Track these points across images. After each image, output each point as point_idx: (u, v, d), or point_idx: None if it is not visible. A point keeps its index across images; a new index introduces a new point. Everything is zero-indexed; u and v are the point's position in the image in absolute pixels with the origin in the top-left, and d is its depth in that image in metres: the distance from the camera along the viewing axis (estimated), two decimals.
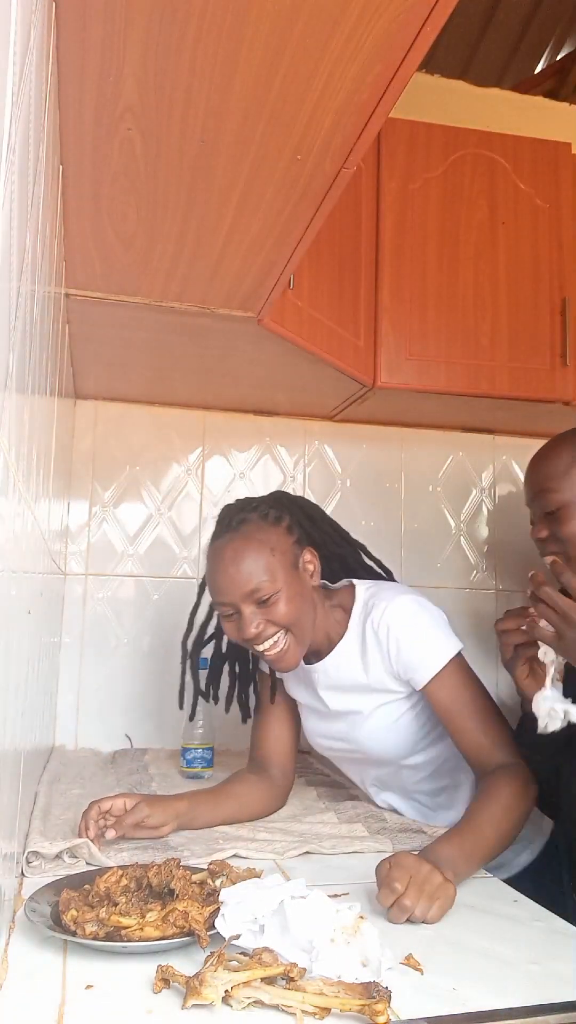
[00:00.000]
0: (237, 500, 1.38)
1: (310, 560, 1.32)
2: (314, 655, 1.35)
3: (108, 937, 0.79)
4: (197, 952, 0.78)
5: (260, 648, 1.27)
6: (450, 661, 1.24)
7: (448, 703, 1.25)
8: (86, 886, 0.89)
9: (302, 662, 1.34)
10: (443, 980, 0.75)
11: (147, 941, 0.78)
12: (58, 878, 0.95)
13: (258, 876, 0.92)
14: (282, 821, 1.30)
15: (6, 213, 0.56)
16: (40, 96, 0.76)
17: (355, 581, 1.38)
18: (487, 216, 1.85)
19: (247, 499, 1.38)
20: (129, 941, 0.79)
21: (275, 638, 1.26)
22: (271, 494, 1.45)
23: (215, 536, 1.32)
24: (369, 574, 1.48)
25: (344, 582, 1.41)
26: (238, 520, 1.29)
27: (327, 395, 1.94)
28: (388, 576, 1.50)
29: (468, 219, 1.84)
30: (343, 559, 1.46)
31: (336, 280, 1.65)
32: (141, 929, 0.79)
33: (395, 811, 1.40)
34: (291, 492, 1.52)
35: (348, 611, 1.34)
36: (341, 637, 1.33)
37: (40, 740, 1.42)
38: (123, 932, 0.80)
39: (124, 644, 1.99)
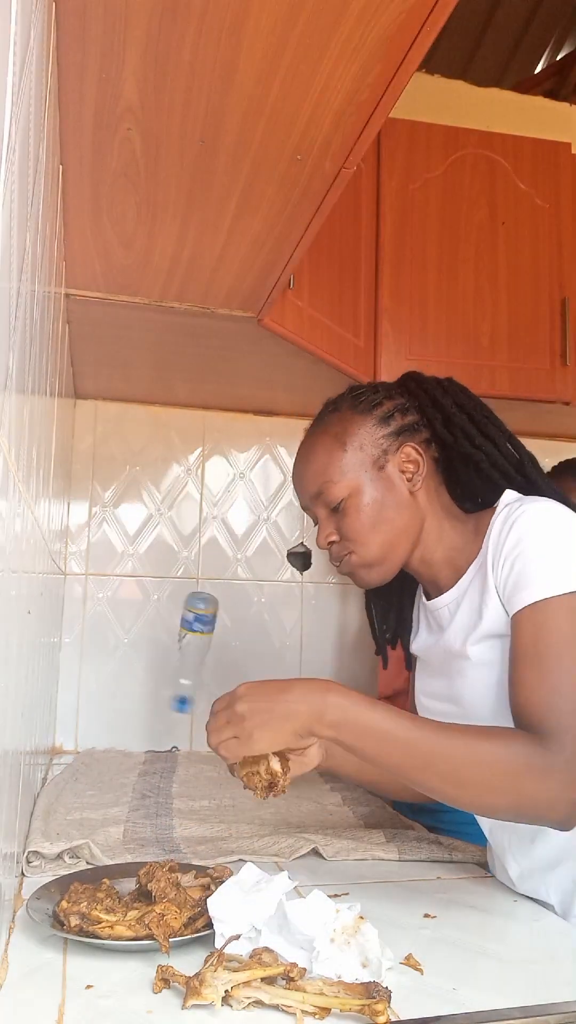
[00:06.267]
0: (356, 385, 1.16)
1: (409, 458, 1.04)
2: (436, 588, 1.08)
3: (91, 933, 0.79)
4: (198, 952, 0.78)
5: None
6: (564, 595, 0.90)
7: (526, 642, 0.91)
8: (104, 880, 0.89)
9: (422, 597, 1.12)
10: (443, 980, 0.75)
11: (118, 940, 0.78)
12: (59, 876, 0.95)
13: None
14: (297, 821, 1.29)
15: (6, 213, 0.56)
16: (40, 96, 0.76)
17: (507, 494, 1.04)
18: (487, 216, 1.85)
19: (364, 385, 1.15)
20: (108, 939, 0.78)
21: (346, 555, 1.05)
22: (401, 376, 1.15)
23: None
24: (528, 490, 1.05)
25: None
26: (330, 408, 1.11)
27: (327, 395, 1.94)
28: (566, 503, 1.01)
29: (468, 219, 1.84)
30: (477, 464, 1.06)
31: (336, 280, 1.65)
32: (112, 927, 0.79)
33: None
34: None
35: (484, 534, 1.02)
36: (469, 565, 1.03)
37: (40, 740, 1.42)
38: (95, 928, 0.79)
39: (124, 644, 2.00)
